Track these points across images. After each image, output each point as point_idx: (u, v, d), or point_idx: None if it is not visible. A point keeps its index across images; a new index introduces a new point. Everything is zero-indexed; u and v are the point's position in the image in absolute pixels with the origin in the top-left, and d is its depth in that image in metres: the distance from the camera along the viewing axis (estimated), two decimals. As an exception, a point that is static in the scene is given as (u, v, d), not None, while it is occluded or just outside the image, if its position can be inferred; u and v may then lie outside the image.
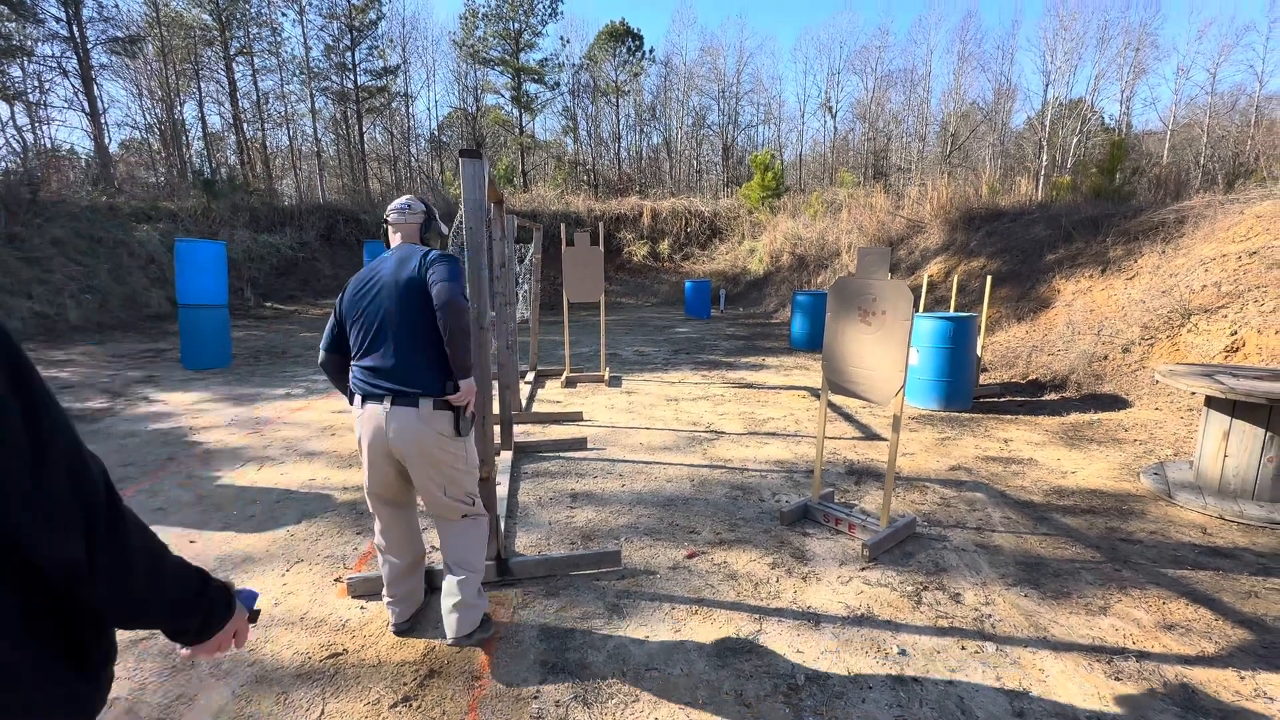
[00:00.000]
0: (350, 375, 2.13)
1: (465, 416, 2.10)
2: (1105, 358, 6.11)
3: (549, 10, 29.38)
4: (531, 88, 30.50)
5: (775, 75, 52.06)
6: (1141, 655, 2.14)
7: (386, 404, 2.01)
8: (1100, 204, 10.08)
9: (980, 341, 5.87)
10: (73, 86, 19.17)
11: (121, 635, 2.23)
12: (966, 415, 5.44)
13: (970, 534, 3.09)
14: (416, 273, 2.03)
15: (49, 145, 19.24)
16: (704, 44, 42.19)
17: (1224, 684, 1.99)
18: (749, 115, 34.43)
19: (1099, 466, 4.10)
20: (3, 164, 16.02)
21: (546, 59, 30.52)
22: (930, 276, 9.58)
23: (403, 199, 2.26)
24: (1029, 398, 5.95)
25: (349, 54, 25.70)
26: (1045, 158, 25.47)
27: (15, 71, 17.82)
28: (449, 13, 47.62)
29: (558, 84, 31.19)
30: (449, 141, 30.95)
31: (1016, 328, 7.63)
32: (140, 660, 2.10)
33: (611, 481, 3.85)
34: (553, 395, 6.36)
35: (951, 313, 5.91)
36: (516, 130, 30.27)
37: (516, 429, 4.88)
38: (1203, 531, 3.14)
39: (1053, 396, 5.89)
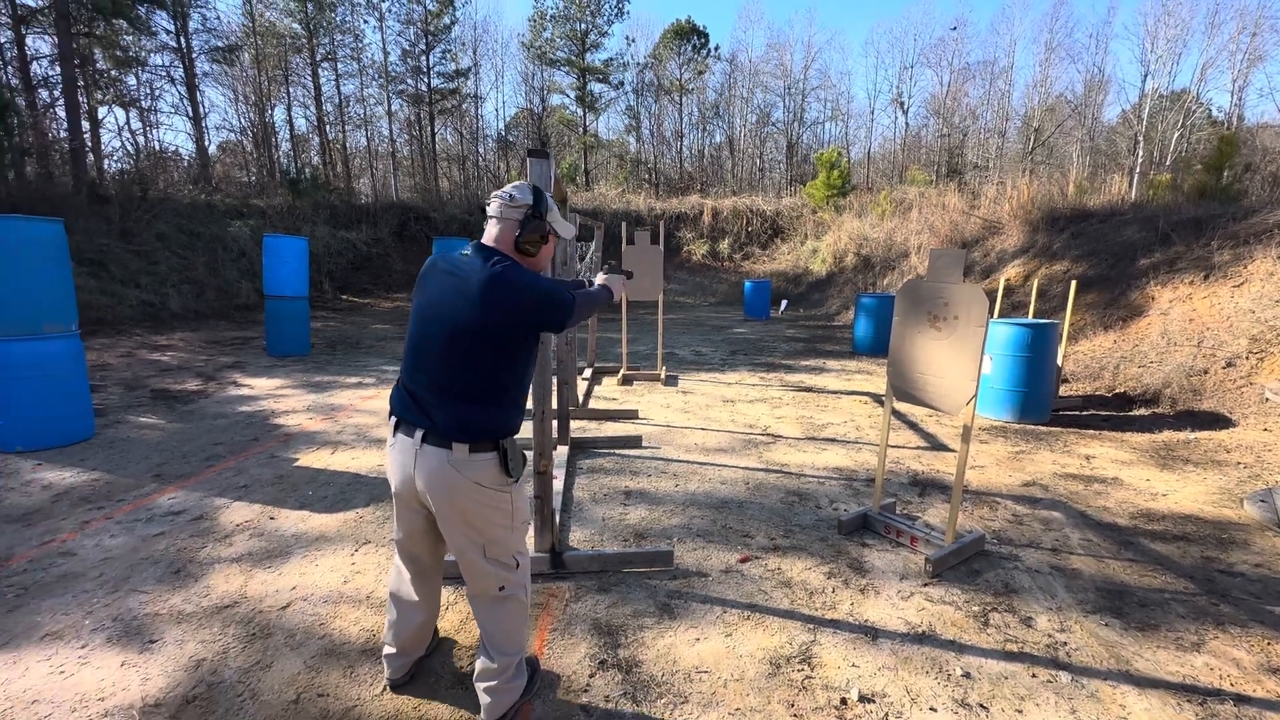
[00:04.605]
0: (394, 387, 1.77)
1: (514, 454, 1.68)
2: (1205, 371, 5.61)
3: (615, 10, 29.64)
4: (596, 87, 30.89)
5: (844, 71, 50.82)
6: (1240, 699, 1.95)
7: (418, 439, 1.64)
8: (1205, 204, 9.25)
9: (1062, 350, 5.51)
10: (179, 93, 20.86)
11: (208, 601, 2.41)
12: (1044, 428, 5.12)
13: (1045, 555, 2.91)
14: (472, 308, 1.59)
15: (157, 147, 21.01)
16: (770, 40, 41.58)
17: (1340, 739, 1.79)
18: (815, 112, 33.78)
19: (1195, 490, 3.77)
20: (119, 165, 17.60)
21: (611, 59, 30.84)
22: (1007, 280, 9.07)
23: (508, 186, 1.73)
24: (1115, 412, 5.54)
25: (424, 58, 26.75)
26: (1141, 154, 23.63)
27: (131, 80, 19.54)
28: (519, 15, 48.90)
29: (622, 83, 31.46)
30: (515, 141, 31.74)
31: (1103, 337, 7.12)
32: (225, 626, 2.26)
33: (665, 481, 3.85)
34: (609, 392, 6.42)
35: (1030, 319, 5.58)
36: (580, 129, 30.69)
37: (573, 425, 4.95)
38: (1318, 568, 2.83)
39: (1143, 412, 5.46)
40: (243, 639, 2.20)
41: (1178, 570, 2.79)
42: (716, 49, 32.22)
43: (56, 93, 14.81)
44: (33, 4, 14.71)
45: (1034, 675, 2.06)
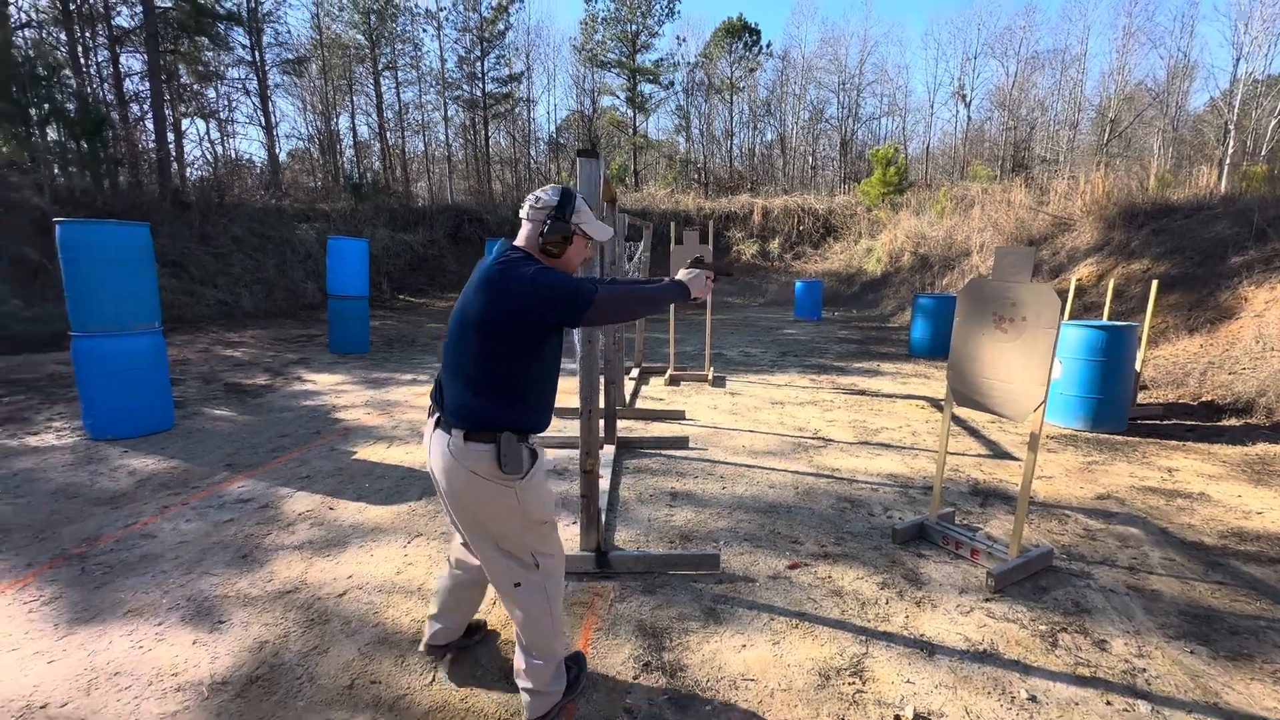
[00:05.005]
0: None
1: (508, 450, 1.60)
2: (1308, 379, 5.13)
3: (666, 10, 29.61)
4: (646, 88, 30.93)
5: (902, 64, 49.11)
6: (1352, 743, 1.77)
7: (432, 423, 1.73)
8: (1307, 197, 8.47)
9: (1140, 355, 5.15)
10: (253, 104, 22.09)
11: (272, 586, 2.52)
12: (1119, 438, 4.80)
13: (1121, 574, 2.72)
14: (478, 300, 1.61)
15: (234, 156, 22.32)
16: (825, 34, 40.61)
17: None
18: (871, 107, 32.70)
19: (1295, 508, 3.45)
20: (199, 173, 18.79)
21: (662, 59, 30.81)
22: (1079, 280, 8.55)
23: (540, 190, 1.76)
24: (1202, 422, 5.14)
25: (479, 64, 27.45)
26: (1232, 144, 21.87)
27: (210, 93, 20.83)
28: (570, 19, 49.55)
29: (672, 83, 31.39)
30: (566, 143, 32.15)
31: (1187, 340, 6.62)
32: (286, 611, 2.37)
33: (712, 483, 3.80)
34: (656, 393, 6.40)
35: (1105, 321, 5.24)
36: (630, 130, 30.82)
37: (619, 424, 4.96)
38: None
39: (1234, 422, 5.04)
40: (302, 624, 2.29)
41: (1275, 596, 2.55)
42: (769, 46, 31.72)
43: (145, 106, 15.94)
44: (126, 25, 15.89)
45: (1108, 703, 1.92)
